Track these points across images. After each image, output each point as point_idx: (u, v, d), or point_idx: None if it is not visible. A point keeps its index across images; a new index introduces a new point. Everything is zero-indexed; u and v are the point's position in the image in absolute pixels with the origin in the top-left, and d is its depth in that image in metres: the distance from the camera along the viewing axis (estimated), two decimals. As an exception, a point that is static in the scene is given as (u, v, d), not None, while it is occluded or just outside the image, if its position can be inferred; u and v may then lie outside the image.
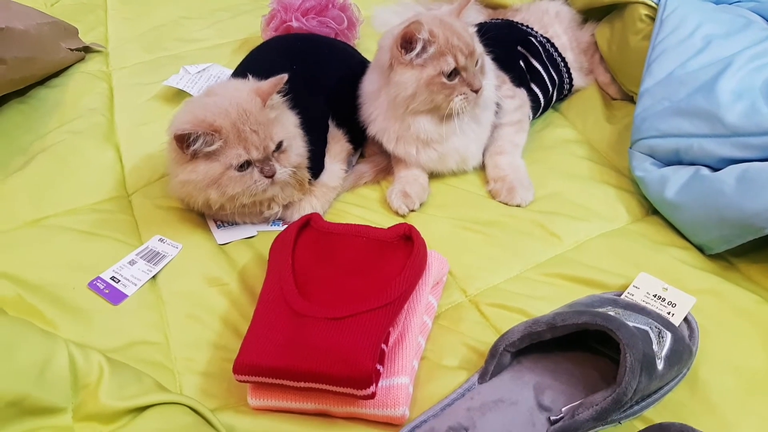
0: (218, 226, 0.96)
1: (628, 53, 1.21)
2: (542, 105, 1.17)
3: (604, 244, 0.95)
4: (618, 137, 1.15)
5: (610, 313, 0.73)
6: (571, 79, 1.24)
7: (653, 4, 1.17)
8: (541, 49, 1.19)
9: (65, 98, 1.21)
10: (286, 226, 0.96)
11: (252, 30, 1.44)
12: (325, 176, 0.99)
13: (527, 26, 1.24)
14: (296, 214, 0.97)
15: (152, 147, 1.09)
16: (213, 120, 0.83)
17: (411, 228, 0.80)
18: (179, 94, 1.20)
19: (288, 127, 0.90)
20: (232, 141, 0.84)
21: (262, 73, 0.95)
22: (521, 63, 1.16)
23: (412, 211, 1.01)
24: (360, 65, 1.10)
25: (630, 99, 1.25)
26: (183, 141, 0.83)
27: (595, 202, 1.02)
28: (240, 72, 1.05)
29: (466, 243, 0.94)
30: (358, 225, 0.83)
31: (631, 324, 0.71)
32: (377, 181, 1.07)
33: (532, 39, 1.20)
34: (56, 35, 1.23)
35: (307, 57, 1.07)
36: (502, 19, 1.29)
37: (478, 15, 1.40)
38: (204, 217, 0.97)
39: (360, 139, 1.08)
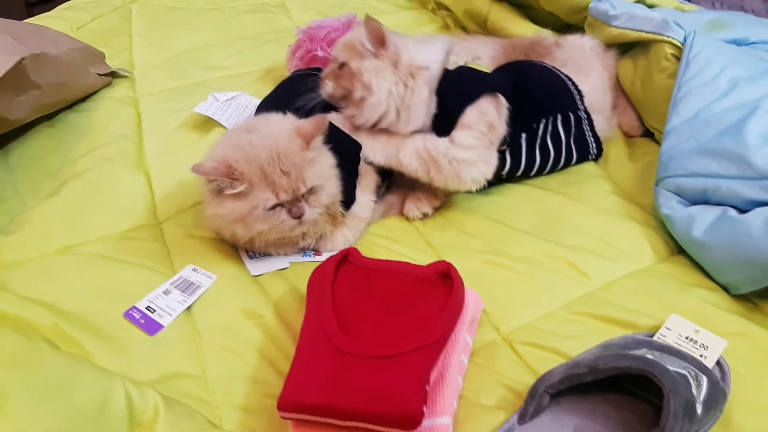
0: (250, 257, 0.97)
1: (652, 90, 1.23)
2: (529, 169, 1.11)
3: (632, 284, 0.96)
4: (641, 175, 1.17)
5: (648, 356, 0.74)
6: (599, 147, 1.20)
7: (679, 44, 1.19)
8: (573, 126, 1.14)
9: (93, 123, 1.22)
10: (318, 257, 0.98)
11: (276, 59, 1.46)
12: (356, 207, 1.00)
13: (571, 81, 1.17)
14: (329, 245, 0.98)
15: (182, 174, 1.10)
16: (238, 164, 0.85)
17: (449, 266, 0.80)
18: (208, 122, 1.21)
19: (323, 169, 0.90)
20: (259, 184, 0.85)
21: (294, 107, 0.97)
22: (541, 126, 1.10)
23: (425, 215, 1.02)
24: None
25: (650, 135, 1.27)
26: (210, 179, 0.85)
27: (621, 239, 1.03)
28: (270, 103, 1.07)
29: (496, 279, 0.95)
30: (397, 261, 0.84)
31: (671, 369, 0.72)
32: (402, 212, 1.08)
33: (573, 114, 1.14)
34: (86, 60, 1.24)
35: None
36: (543, 64, 1.20)
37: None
38: (236, 247, 0.98)
39: (388, 171, 1.10)
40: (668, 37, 1.20)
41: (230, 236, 0.93)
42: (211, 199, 0.87)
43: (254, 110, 1.25)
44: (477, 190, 1.06)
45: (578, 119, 1.16)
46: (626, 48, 1.33)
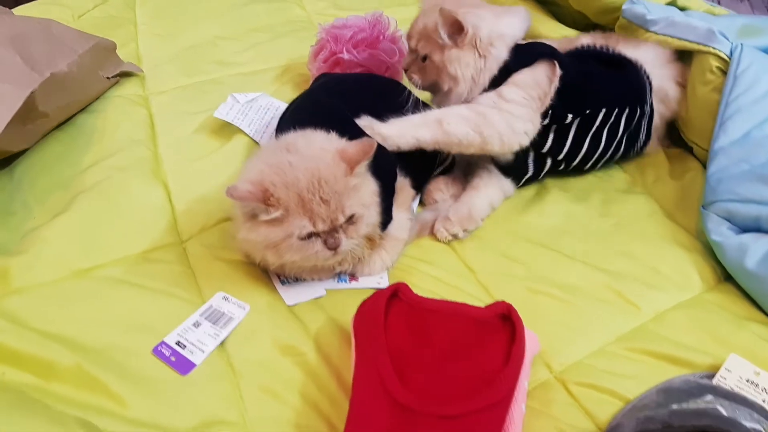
0: (282, 282, 0.90)
1: (694, 103, 1.17)
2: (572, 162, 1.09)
3: (683, 316, 0.92)
4: (682, 194, 1.12)
5: (720, 409, 0.70)
6: (646, 142, 1.17)
7: (725, 57, 1.14)
8: (635, 120, 1.10)
9: (103, 126, 1.14)
10: (354, 282, 0.92)
11: (292, 55, 1.38)
12: (393, 228, 0.94)
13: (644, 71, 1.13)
14: (366, 269, 0.92)
15: (204, 187, 1.03)
16: (275, 188, 0.78)
17: (509, 308, 0.75)
18: (228, 125, 1.13)
19: (365, 197, 0.84)
20: (295, 211, 0.78)
21: (328, 121, 0.90)
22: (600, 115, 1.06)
23: (455, 237, 0.98)
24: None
25: (689, 149, 1.23)
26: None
27: (667, 266, 0.99)
28: (300, 114, 1.00)
29: (542, 309, 0.90)
30: (453, 302, 0.78)
31: (747, 425, 0.68)
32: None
33: (640, 108, 1.11)
34: (96, 64, 1.15)
35: (371, 101, 1.01)
36: (617, 54, 1.14)
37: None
38: (266, 270, 0.91)
39: (420, 182, 1.04)
40: (714, 48, 1.15)
41: (260, 261, 0.87)
42: (243, 222, 0.81)
43: (274, 111, 1.18)
44: (515, 211, 1.03)
45: (642, 114, 1.12)
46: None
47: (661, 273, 0.97)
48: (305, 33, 1.48)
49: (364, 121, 0.97)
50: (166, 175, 1.05)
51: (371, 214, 0.85)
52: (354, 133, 0.88)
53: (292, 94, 1.26)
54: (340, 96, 1.00)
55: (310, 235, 0.79)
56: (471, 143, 0.98)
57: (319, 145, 0.84)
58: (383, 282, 0.92)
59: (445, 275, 0.94)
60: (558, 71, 1.02)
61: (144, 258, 0.92)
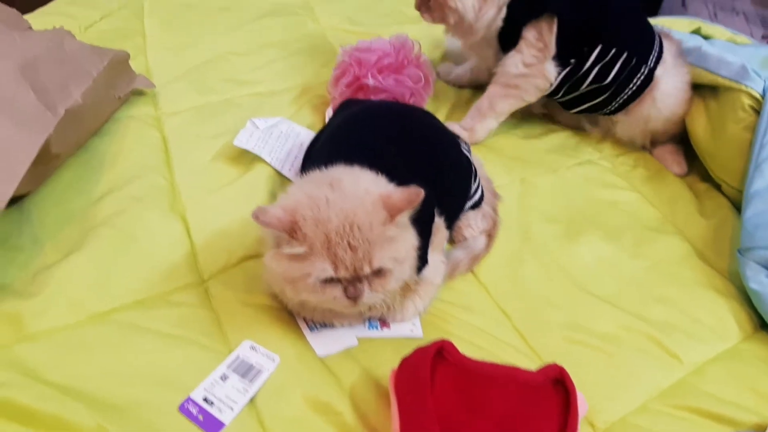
0: (311, 329, 0.86)
1: (724, 141, 1.15)
2: None
3: (723, 369, 0.90)
4: (714, 234, 1.10)
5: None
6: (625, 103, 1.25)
7: (758, 96, 1.11)
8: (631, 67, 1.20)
9: (115, 150, 1.08)
10: (386, 329, 0.88)
11: (309, 74, 1.33)
12: (428, 271, 0.90)
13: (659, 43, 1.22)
14: (398, 316, 0.88)
15: (224, 220, 0.98)
16: (304, 222, 0.73)
17: (562, 371, 0.72)
18: (246, 152, 1.08)
19: (400, 251, 0.78)
20: (319, 252, 0.73)
21: (357, 155, 0.86)
22: None
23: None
24: (453, 144, 1.01)
25: (716, 185, 1.21)
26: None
27: (705, 313, 0.97)
28: (327, 147, 0.95)
29: (582, 361, 0.87)
30: (501, 366, 0.74)
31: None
32: (471, 269, 0.99)
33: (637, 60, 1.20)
34: (109, 83, 1.09)
35: (404, 134, 0.97)
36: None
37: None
38: (292, 313, 0.87)
39: (451, 220, 1.00)
40: (747, 86, 1.12)
41: (280, 294, 0.83)
42: (272, 247, 0.76)
43: (295, 138, 1.14)
44: (547, 251, 1.02)
45: (638, 67, 1.19)
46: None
47: (700, 321, 0.95)
48: (320, 50, 1.44)
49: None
50: (184, 207, 1.00)
51: (404, 269, 0.79)
52: (402, 179, 0.83)
53: (311, 118, 1.22)
54: (381, 130, 0.95)
55: (330, 280, 0.74)
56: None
57: (365, 187, 0.79)
58: (416, 330, 0.88)
59: (480, 321, 0.91)
60: (554, 29, 1.14)
61: (165, 300, 0.87)
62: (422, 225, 0.88)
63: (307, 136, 1.15)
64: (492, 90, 1.22)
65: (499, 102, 1.21)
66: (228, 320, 0.85)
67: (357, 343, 0.85)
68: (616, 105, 1.23)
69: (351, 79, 1.17)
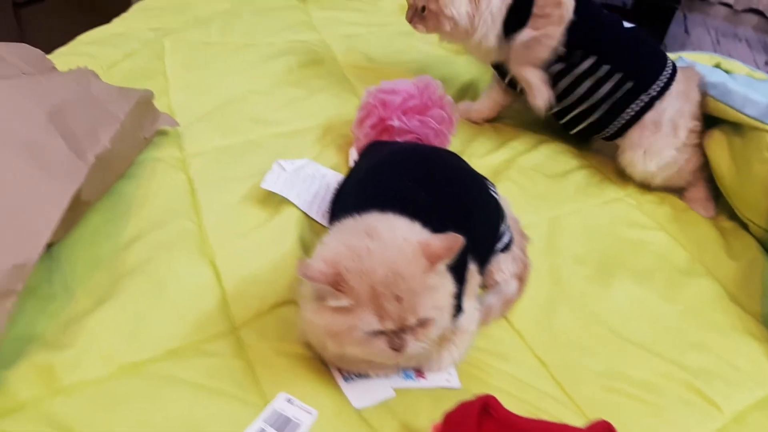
0: (345, 378, 0.84)
1: (750, 180, 1.15)
2: None
3: (762, 417, 0.89)
4: (744, 276, 1.10)
5: None
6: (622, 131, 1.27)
7: (785, 138, 1.11)
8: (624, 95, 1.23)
9: (142, 193, 1.07)
10: (422, 379, 0.86)
11: (331, 113, 1.34)
12: (463, 319, 0.89)
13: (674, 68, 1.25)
14: (434, 366, 0.87)
15: (254, 265, 0.97)
16: (349, 275, 0.72)
17: (610, 428, 0.70)
18: (272, 195, 1.08)
19: (441, 299, 0.77)
20: (365, 304, 0.72)
21: (389, 201, 0.85)
22: None
23: None
24: (481, 185, 1.01)
25: (742, 224, 1.20)
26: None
27: (740, 357, 0.96)
28: (357, 193, 0.95)
29: (621, 411, 0.86)
30: (548, 422, 0.73)
31: None
32: (504, 315, 0.98)
33: (638, 88, 1.23)
34: (136, 125, 1.08)
35: (433, 177, 0.96)
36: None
37: None
38: (326, 362, 0.85)
39: (482, 264, 0.99)
40: (773, 128, 1.12)
41: (319, 347, 0.82)
42: (310, 301, 0.75)
43: (321, 179, 1.13)
44: (580, 295, 1.02)
45: (636, 92, 1.21)
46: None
47: (737, 367, 0.94)
48: (339, 88, 1.44)
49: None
50: (213, 252, 0.99)
51: (444, 317, 0.78)
52: (437, 225, 0.82)
53: (335, 159, 1.22)
54: (410, 174, 0.95)
55: (375, 332, 0.73)
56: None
57: (402, 235, 0.78)
58: (453, 380, 0.87)
59: (516, 370, 0.89)
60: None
61: (197, 349, 0.85)
62: (456, 271, 0.87)
63: (333, 177, 1.15)
64: (514, 69, 1.26)
65: (537, 92, 1.24)
66: (262, 371, 0.84)
67: (394, 394, 0.83)
68: (614, 129, 1.25)
69: (376, 120, 1.17)
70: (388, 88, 1.19)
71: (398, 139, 1.16)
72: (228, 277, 0.96)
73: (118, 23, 1.57)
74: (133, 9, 1.67)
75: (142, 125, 1.13)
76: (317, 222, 1.07)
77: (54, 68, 1.16)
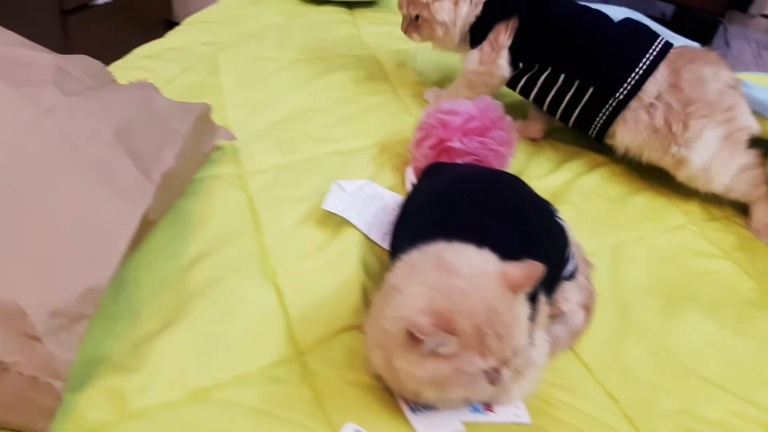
0: (412, 410, 0.83)
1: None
2: None
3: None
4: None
5: None
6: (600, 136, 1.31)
7: None
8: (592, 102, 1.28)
9: (203, 211, 1.07)
10: (490, 412, 0.84)
11: (385, 132, 1.33)
12: (533, 351, 0.87)
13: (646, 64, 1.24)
14: (503, 398, 0.84)
15: (317, 289, 0.96)
16: (456, 320, 0.71)
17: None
18: (331, 215, 1.07)
19: (525, 327, 0.76)
20: (471, 346, 0.71)
21: (456, 230, 0.83)
22: None
23: None
24: (547, 211, 0.99)
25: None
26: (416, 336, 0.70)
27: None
28: (422, 221, 0.94)
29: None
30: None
31: None
32: (571, 346, 0.95)
33: (606, 94, 1.25)
34: (197, 140, 1.08)
35: (499, 203, 0.95)
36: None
37: None
38: (390, 391, 0.84)
39: (548, 294, 0.97)
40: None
41: (410, 393, 0.79)
42: (403, 352, 0.73)
43: (380, 200, 1.12)
44: (649, 329, 0.98)
45: (605, 98, 1.24)
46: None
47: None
48: (393, 106, 1.43)
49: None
50: (276, 274, 0.98)
51: (527, 345, 0.78)
52: (506, 252, 0.81)
53: (392, 179, 1.21)
54: (476, 200, 0.93)
55: (478, 371, 0.72)
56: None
57: (479, 266, 0.76)
58: (522, 415, 0.84)
59: (586, 405, 0.87)
60: (508, 32, 1.29)
61: (263, 375, 0.84)
62: (532, 304, 0.85)
63: (391, 198, 1.14)
64: (456, 82, 1.41)
65: (461, 91, 1.38)
66: (330, 400, 0.82)
67: (463, 429, 0.81)
68: (595, 131, 1.29)
69: (435, 141, 1.15)
70: (448, 108, 1.18)
71: (458, 161, 1.14)
72: (291, 301, 0.95)
73: (173, 37, 1.58)
74: (186, 23, 1.68)
75: (201, 140, 1.13)
76: (377, 244, 1.06)
77: (114, 80, 1.16)
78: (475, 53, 1.32)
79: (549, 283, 0.95)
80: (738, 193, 1.22)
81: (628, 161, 1.32)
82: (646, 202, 1.25)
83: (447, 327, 0.70)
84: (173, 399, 0.80)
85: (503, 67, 1.31)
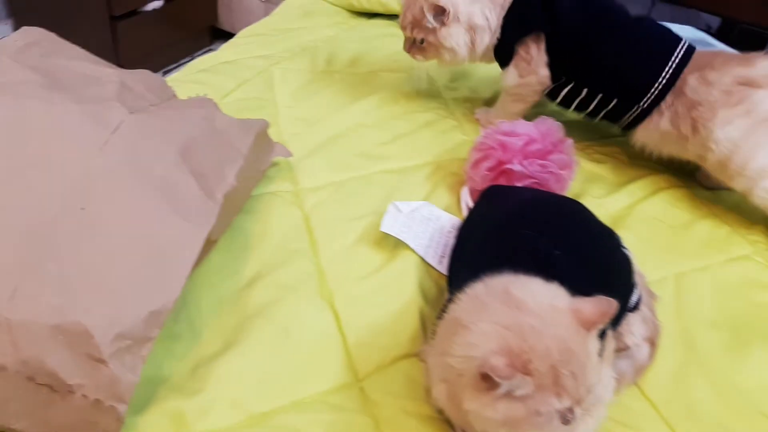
0: (473, 443, 0.81)
1: None
2: None
3: None
4: None
5: None
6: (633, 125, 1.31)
7: None
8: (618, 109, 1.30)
9: (260, 229, 1.07)
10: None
11: (438, 151, 1.32)
12: (599, 388, 0.84)
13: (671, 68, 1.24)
14: (565, 436, 0.82)
15: (374, 313, 0.95)
16: (531, 360, 0.69)
17: None
18: (386, 237, 1.05)
19: (597, 364, 0.73)
20: (546, 386, 0.69)
21: (522, 261, 0.81)
22: None
23: None
24: (612, 239, 0.96)
25: None
26: (490, 377, 0.68)
27: None
28: (484, 250, 0.91)
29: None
30: None
31: None
32: (635, 382, 0.92)
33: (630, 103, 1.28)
34: (255, 157, 1.07)
35: (565, 232, 0.92)
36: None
37: None
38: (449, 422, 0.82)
39: (614, 326, 0.94)
40: None
41: (448, 412, 0.78)
42: (475, 393, 0.71)
43: (435, 222, 1.10)
44: (719, 359, 0.95)
45: (626, 107, 1.26)
46: None
47: None
48: (446, 123, 1.42)
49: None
50: (332, 296, 0.97)
51: (598, 381, 0.75)
52: (573, 286, 0.78)
53: (447, 199, 1.19)
54: (541, 228, 0.91)
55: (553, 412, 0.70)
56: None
57: (549, 302, 0.74)
58: (587, 453, 0.82)
59: (656, 447, 0.84)
60: (538, 44, 1.28)
61: (322, 402, 0.83)
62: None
63: (447, 220, 1.12)
64: (502, 99, 1.39)
65: (509, 107, 1.37)
66: (389, 430, 0.81)
67: (527, 466, 0.79)
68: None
69: (494, 163, 1.13)
70: (508, 129, 1.15)
71: (516, 184, 1.12)
72: (348, 324, 0.93)
73: (227, 50, 1.59)
74: (240, 35, 1.69)
75: (259, 157, 1.13)
76: (434, 268, 1.04)
77: (174, 96, 1.17)
78: (511, 69, 1.31)
79: (617, 317, 0.92)
80: None
81: (690, 183, 1.29)
82: (709, 230, 1.20)
83: (523, 368, 0.68)
84: (233, 423, 0.80)
85: (543, 74, 1.29)
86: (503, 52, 1.31)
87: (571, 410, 0.71)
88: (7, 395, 0.73)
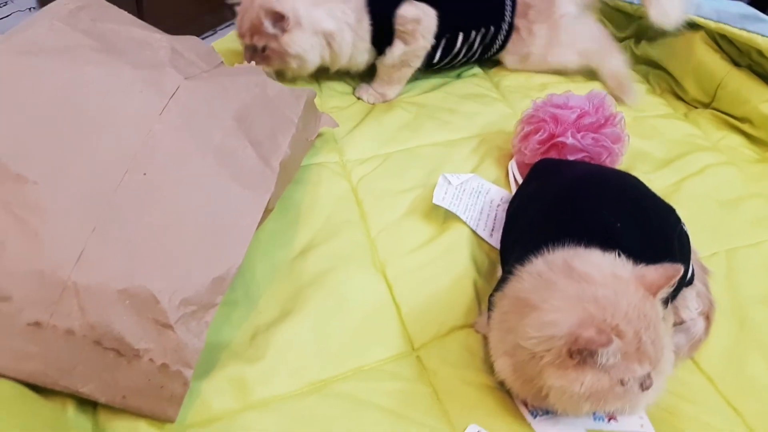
0: (532, 414, 0.81)
1: None
2: None
3: None
4: None
5: None
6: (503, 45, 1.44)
7: None
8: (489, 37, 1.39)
9: (310, 200, 1.06)
10: (614, 422, 0.82)
11: (481, 123, 1.30)
12: (667, 352, 0.84)
13: None
14: (630, 408, 0.81)
15: (427, 285, 0.95)
16: (617, 324, 0.69)
17: None
18: (436, 209, 1.05)
19: (664, 325, 0.74)
20: (630, 354, 0.69)
21: (579, 232, 0.80)
22: None
23: None
24: (671, 213, 0.95)
25: None
26: (581, 350, 0.68)
27: None
28: (536, 218, 0.91)
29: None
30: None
31: None
32: (691, 356, 0.92)
33: (495, 27, 1.39)
34: (305, 127, 1.07)
35: (625, 206, 0.91)
36: None
37: None
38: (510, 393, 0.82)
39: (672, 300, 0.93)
40: None
41: (554, 405, 0.75)
42: (559, 371, 0.70)
43: (485, 195, 1.09)
44: None
45: (497, 31, 1.37)
46: None
47: None
48: (486, 97, 1.39)
49: None
50: (384, 267, 0.97)
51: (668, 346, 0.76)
52: (638, 259, 0.78)
53: (495, 172, 1.18)
54: (600, 202, 0.90)
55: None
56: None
57: (610, 271, 0.74)
58: (646, 426, 0.82)
59: (709, 417, 0.84)
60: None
61: (381, 370, 0.84)
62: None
63: (496, 193, 1.11)
64: (385, 70, 1.31)
65: (396, 74, 1.32)
66: (449, 399, 0.81)
67: (587, 436, 0.79)
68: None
69: (546, 136, 1.11)
70: (560, 102, 1.14)
71: (568, 157, 1.11)
72: (401, 295, 0.93)
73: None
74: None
75: (307, 126, 1.12)
76: (485, 241, 1.03)
77: (223, 63, 1.15)
78: (396, 47, 1.27)
79: (676, 290, 0.91)
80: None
81: (738, 160, 1.27)
82: (760, 209, 1.18)
83: (612, 336, 0.68)
84: (294, 390, 0.80)
85: (428, 37, 1.27)
86: (383, 35, 1.25)
87: (649, 376, 0.71)
88: (75, 359, 0.74)
